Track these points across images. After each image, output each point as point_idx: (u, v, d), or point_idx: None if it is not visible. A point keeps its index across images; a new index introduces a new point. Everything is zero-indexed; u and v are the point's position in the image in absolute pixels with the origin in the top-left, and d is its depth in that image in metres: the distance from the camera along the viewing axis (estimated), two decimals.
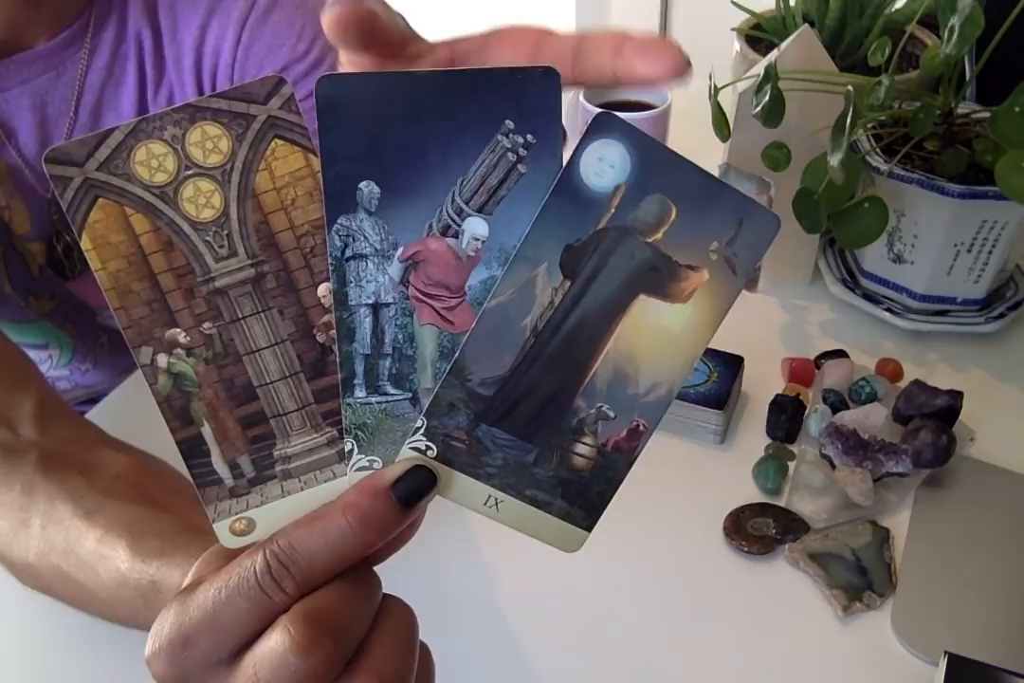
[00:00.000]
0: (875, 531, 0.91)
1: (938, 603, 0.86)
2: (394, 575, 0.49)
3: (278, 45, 1.09)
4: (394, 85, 0.42)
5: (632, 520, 0.89)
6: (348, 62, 0.49)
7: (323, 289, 0.45)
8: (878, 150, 1.06)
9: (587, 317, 0.44)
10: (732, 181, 1.12)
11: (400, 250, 0.44)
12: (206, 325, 0.44)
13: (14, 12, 1.01)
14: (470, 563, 0.92)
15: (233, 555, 0.45)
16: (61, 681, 0.84)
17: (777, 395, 1.02)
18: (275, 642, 0.42)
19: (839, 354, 1.09)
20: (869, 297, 1.16)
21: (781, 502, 0.95)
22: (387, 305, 0.44)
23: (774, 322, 1.18)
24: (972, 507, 0.95)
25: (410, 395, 0.45)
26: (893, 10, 1.19)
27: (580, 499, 0.47)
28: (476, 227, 0.43)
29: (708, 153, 1.02)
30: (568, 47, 0.45)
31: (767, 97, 0.98)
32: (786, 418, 1.00)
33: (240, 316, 0.45)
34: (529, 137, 0.42)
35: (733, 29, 1.36)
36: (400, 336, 0.45)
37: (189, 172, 0.43)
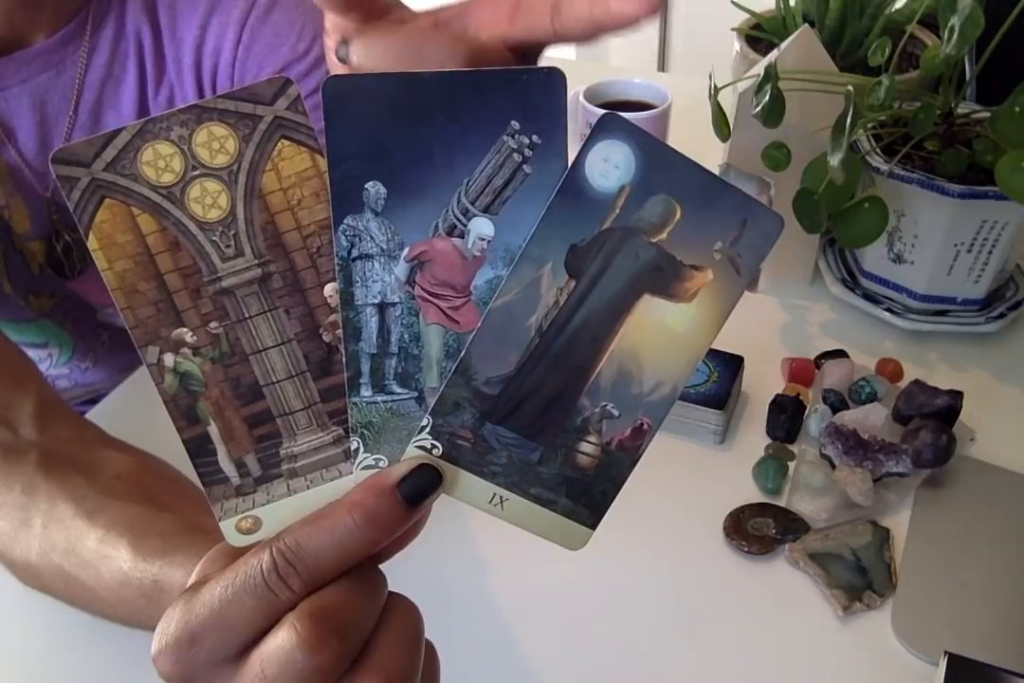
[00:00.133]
0: (875, 531, 0.91)
1: (938, 603, 0.86)
2: (399, 573, 0.49)
3: (278, 44, 1.09)
4: (400, 86, 0.42)
5: (632, 520, 0.89)
6: (331, 26, 0.50)
7: (329, 289, 0.45)
8: (878, 150, 1.07)
9: (592, 317, 0.45)
10: (732, 181, 1.12)
11: (406, 250, 0.44)
12: (212, 324, 0.45)
13: (13, 10, 1.01)
14: (474, 562, 0.92)
15: (239, 553, 0.46)
16: (63, 681, 0.84)
17: (777, 395, 1.02)
18: (282, 640, 0.42)
19: (839, 354, 1.09)
20: (869, 297, 1.16)
21: (781, 502, 0.95)
22: (393, 305, 0.45)
23: (774, 322, 1.18)
24: (972, 507, 0.95)
25: (416, 394, 0.45)
26: (893, 10, 1.20)
27: (584, 497, 0.47)
28: (482, 227, 0.43)
29: (708, 153, 1.02)
30: (546, 3, 0.45)
31: (767, 97, 0.98)
32: (786, 418, 1.00)
33: (246, 316, 0.45)
34: (534, 137, 0.42)
35: (733, 29, 1.37)
36: (406, 335, 0.45)
37: (196, 172, 0.43)
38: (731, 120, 1.09)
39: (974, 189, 1.00)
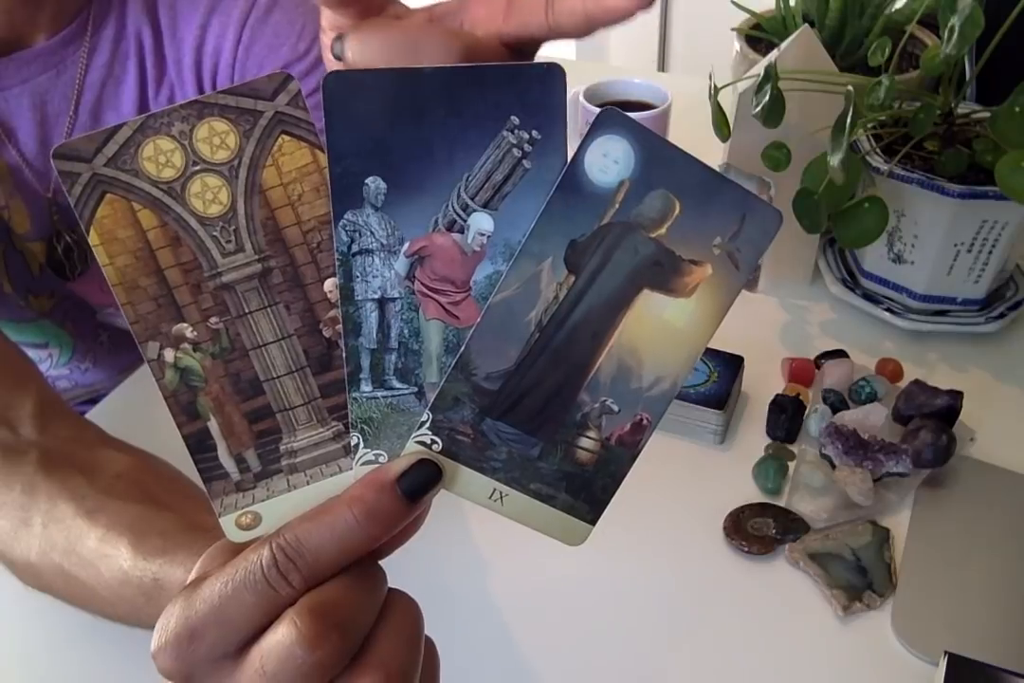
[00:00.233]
0: (875, 531, 0.91)
1: (938, 603, 0.86)
2: (399, 569, 0.49)
3: (279, 44, 1.09)
4: (400, 81, 0.42)
5: (632, 520, 0.89)
6: (328, 24, 0.50)
7: (329, 284, 0.45)
8: (878, 150, 1.07)
9: (591, 312, 0.45)
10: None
11: (406, 245, 0.44)
12: (213, 320, 0.45)
13: (14, 10, 1.01)
14: (473, 558, 0.92)
15: (238, 550, 0.46)
16: (63, 680, 0.84)
17: (777, 395, 1.02)
18: (281, 635, 0.42)
19: (839, 354, 1.09)
20: (869, 297, 1.16)
21: (781, 502, 0.95)
22: (393, 300, 0.45)
23: (774, 322, 1.18)
24: (972, 507, 0.95)
25: (416, 389, 0.45)
26: (893, 10, 1.20)
27: (584, 493, 0.47)
28: (481, 222, 0.44)
29: (708, 153, 1.02)
30: None
31: (767, 97, 0.98)
32: (786, 418, 1.00)
33: (247, 311, 0.45)
34: (534, 133, 0.42)
35: (733, 29, 1.37)
36: (406, 331, 0.45)
37: (196, 168, 0.43)
38: (731, 120, 1.09)
39: (974, 189, 1.00)
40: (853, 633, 0.84)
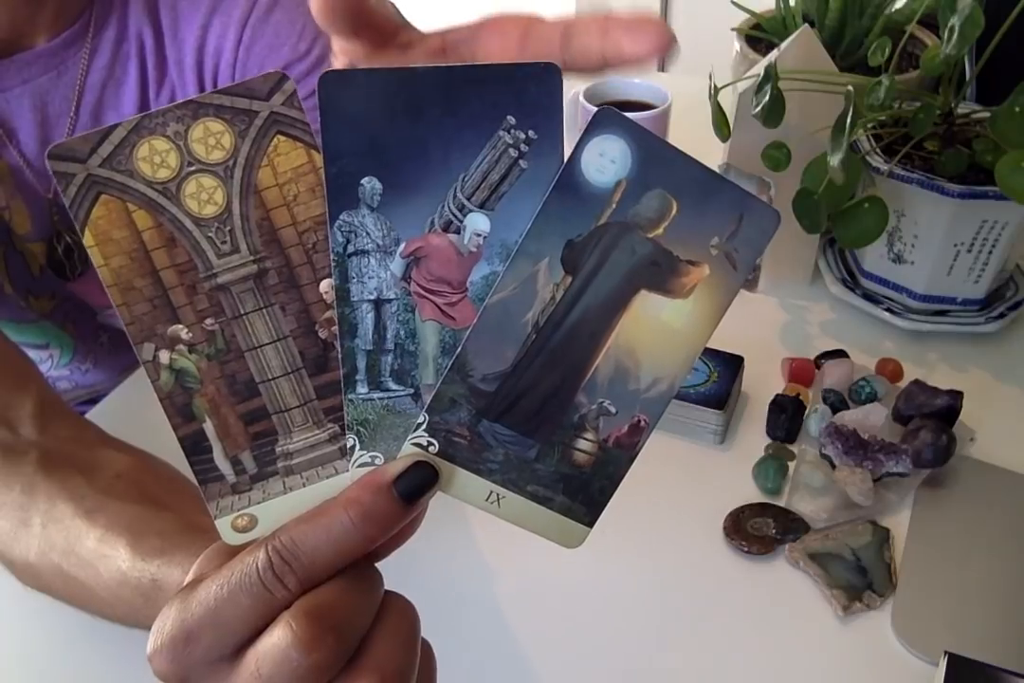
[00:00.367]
0: (875, 531, 0.91)
1: (938, 603, 0.86)
2: (395, 572, 0.49)
3: (279, 44, 1.09)
4: (396, 81, 0.42)
5: (632, 520, 0.89)
6: (339, 49, 0.50)
7: (325, 285, 0.45)
8: (878, 150, 1.07)
9: (588, 312, 0.44)
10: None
11: (402, 246, 0.44)
12: (208, 321, 0.45)
13: (15, 11, 1.01)
14: (471, 560, 0.92)
15: (235, 552, 0.45)
16: (62, 681, 0.84)
17: (777, 395, 1.02)
18: (277, 638, 0.42)
19: (839, 354, 1.09)
20: (869, 297, 1.16)
21: (781, 502, 0.95)
22: (389, 301, 0.44)
23: (774, 322, 1.18)
24: (972, 507, 0.95)
25: (412, 391, 0.45)
26: (893, 10, 1.20)
27: (582, 495, 0.47)
28: (478, 223, 0.43)
29: (708, 153, 1.02)
30: (556, 33, 0.45)
31: (767, 97, 0.98)
32: (786, 418, 1.00)
33: (242, 312, 0.45)
34: (530, 133, 0.42)
35: (733, 29, 1.37)
36: (402, 332, 0.45)
37: (192, 168, 0.43)
38: (731, 120, 1.09)
39: (974, 189, 1.00)
40: (853, 633, 0.84)
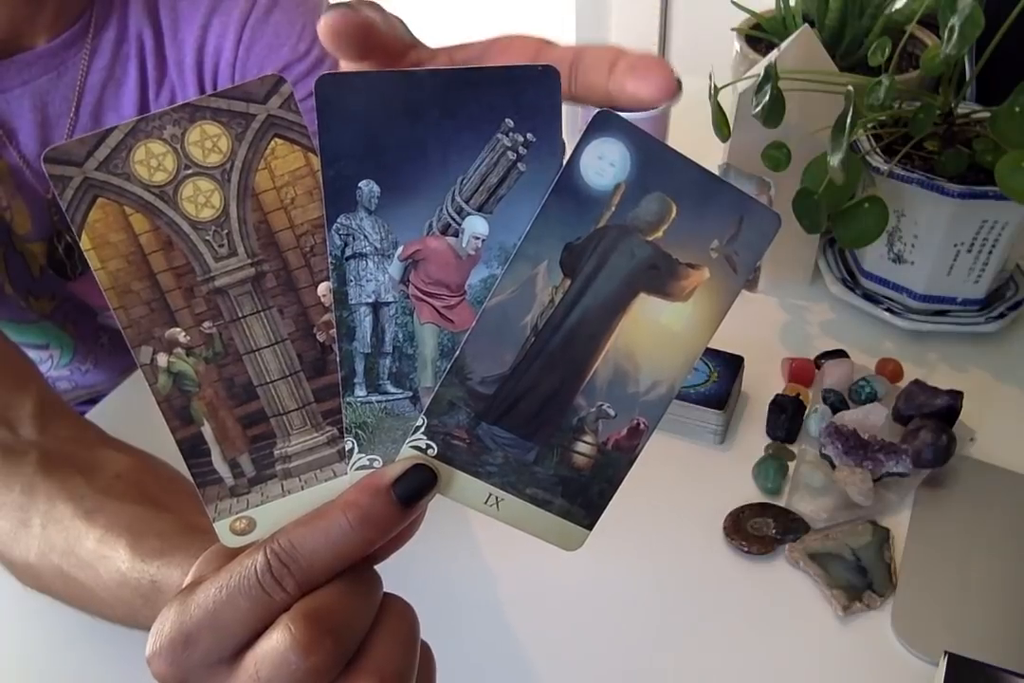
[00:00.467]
0: (875, 531, 0.91)
1: (938, 603, 0.86)
2: (394, 574, 0.49)
3: (279, 44, 1.09)
4: (394, 84, 0.42)
5: (632, 520, 0.89)
6: (346, 67, 0.49)
7: (323, 288, 0.45)
8: (878, 150, 1.06)
9: (587, 315, 0.44)
10: (732, 181, 1.12)
11: (400, 249, 0.44)
12: (206, 324, 0.44)
13: (15, 12, 1.01)
14: (471, 562, 0.92)
15: (234, 554, 0.45)
16: (62, 681, 0.84)
17: (777, 395, 1.02)
18: (276, 641, 0.42)
19: (839, 354, 1.09)
20: (869, 297, 1.16)
21: (781, 502, 0.95)
22: (387, 304, 0.44)
23: (774, 322, 1.18)
24: (972, 507, 0.94)
25: (410, 394, 0.45)
26: (893, 10, 1.19)
27: (581, 498, 0.47)
28: (476, 226, 0.43)
29: (708, 153, 1.02)
30: (566, 61, 0.45)
31: (767, 97, 0.98)
32: (786, 418, 1.00)
33: (240, 315, 0.45)
34: (529, 136, 0.42)
35: (733, 29, 1.36)
36: (400, 335, 0.45)
37: (189, 171, 0.43)
38: (731, 120, 1.09)
39: (974, 189, 1.00)
40: (853, 633, 0.84)
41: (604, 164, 0.43)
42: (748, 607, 0.87)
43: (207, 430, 0.45)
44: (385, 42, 0.46)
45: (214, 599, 0.44)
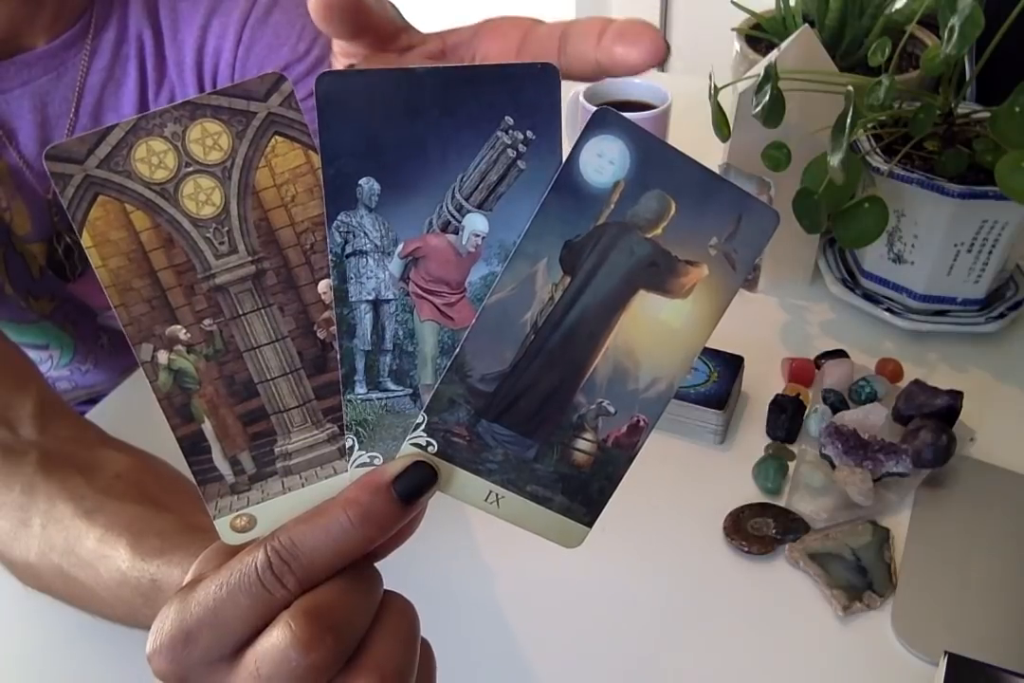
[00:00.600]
0: (875, 531, 0.91)
1: (938, 603, 0.86)
2: (395, 571, 0.49)
3: (279, 45, 1.09)
4: (393, 81, 0.42)
5: (632, 520, 0.89)
6: (340, 51, 0.50)
7: (323, 285, 0.45)
8: (878, 150, 1.07)
9: (587, 313, 0.44)
10: (732, 181, 1.12)
11: (400, 246, 0.44)
12: (206, 322, 0.45)
13: (14, 12, 1.01)
14: (471, 560, 0.92)
15: (234, 552, 0.45)
16: (61, 681, 0.84)
17: (777, 395, 1.02)
18: (276, 638, 0.42)
19: (839, 354, 1.09)
20: (869, 297, 1.16)
21: (781, 502, 0.95)
22: (387, 301, 0.44)
23: (774, 322, 1.18)
24: (972, 507, 0.94)
25: (411, 391, 0.45)
26: (893, 10, 1.20)
27: (581, 495, 0.47)
28: (476, 223, 0.43)
29: (708, 153, 1.02)
30: (554, 36, 0.45)
31: (767, 97, 0.98)
32: (786, 418, 1.00)
33: (240, 313, 0.45)
34: (529, 133, 0.42)
35: (733, 29, 1.37)
36: (400, 332, 0.45)
37: (189, 169, 0.43)
38: (731, 120, 1.09)
39: (974, 189, 1.00)
40: (853, 633, 0.84)
41: (603, 162, 0.43)
42: (748, 607, 0.87)
43: (207, 427, 0.45)
44: (377, 22, 0.46)
45: (214, 596, 0.44)
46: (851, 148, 0.97)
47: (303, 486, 0.46)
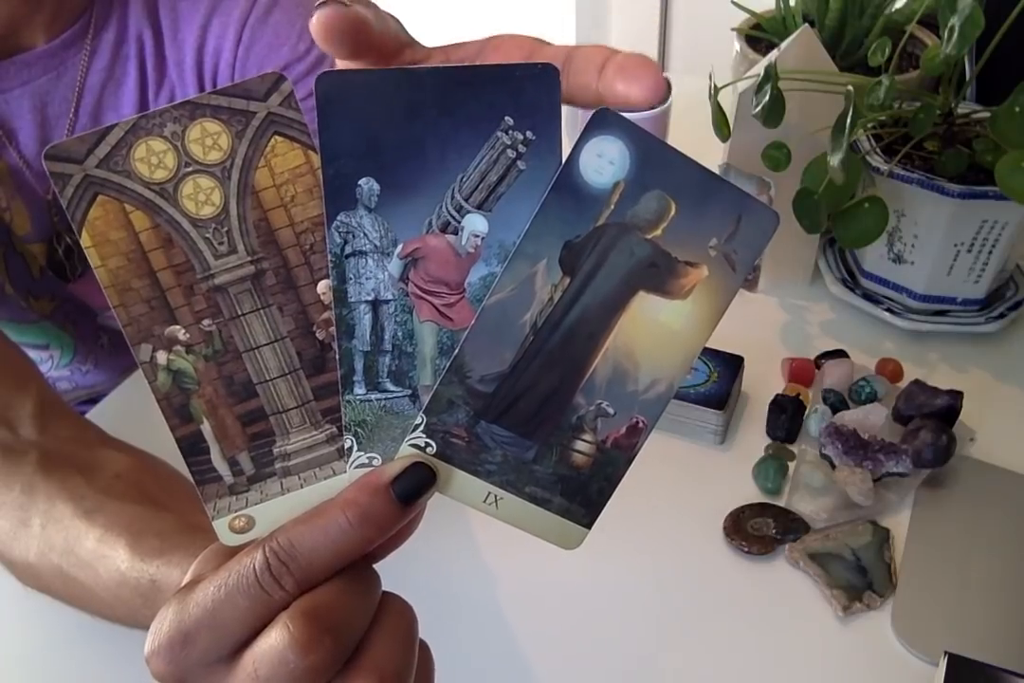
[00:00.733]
0: (875, 531, 0.91)
1: (938, 603, 0.86)
2: (394, 572, 0.49)
3: (279, 44, 1.09)
4: (393, 82, 0.42)
5: (632, 520, 0.89)
6: (342, 66, 0.49)
7: (323, 286, 0.45)
8: (878, 150, 1.06)
9: (586, 314, 0.44)
10: (732, 181, 1.12)
11: (399, 247, 0.44)
12: (205, 322, 0.44)
13: (13, 12, 1.01)
14: (470, 561, 0.92)
15: (233, 553, 0.45)
16: (61, 681, 0.84)
17: (777, 395, 1.02)
18: (274, 639, 0.42)
19: (839, 354, 1.09)
20: (869, 297, 1.16)
21: (781, 502, 0.95)
22: (386, 302, 0.44)
23: (774, 322, 1.18)
24: (972, 507, 0.94)
25: (410, 392, 0.45)
26: (893, 10, 1.19)
27: (579, 496, 0.46)
28: (476, 224, 0.43)
29: (708, 153, 1.02)
30: (558, 60, 0.45)
31: (767, 97, 0.98)
32: (786, 418, 1.00)
33: (240, 313, 0.45)
34: (528, 134, 0.42)
35: (733, 29, 1.36)
36: (399, 333, 0.45)
37: (189, 169, 0.43)
38: (731, 120, 1.09)
39: (974, 189, 1.00)
40: (853, 633, 0.84)
41: (603, 162, 0.42)
42: (748, 607, 0.87)
43: (206, 428, 0.45)
44: (378, 40, 0.46)
45: (213, 598, 0.44)
46: (851, 148, 0.97)
47: (302, 487, 0.46)
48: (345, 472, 0.46)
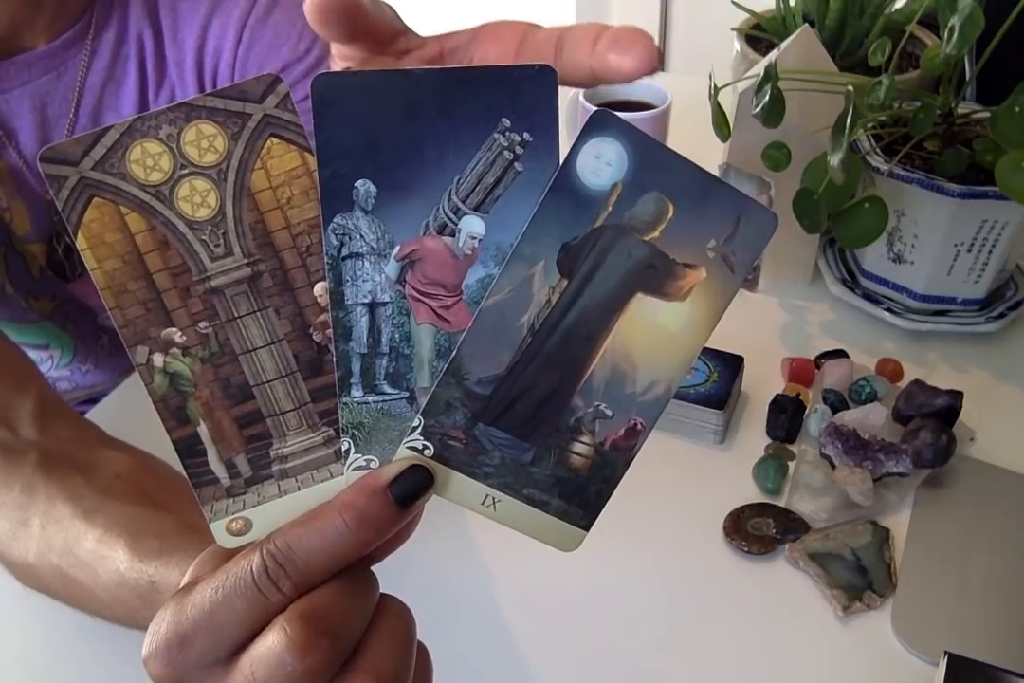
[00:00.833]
0: (875, 531, 0.91)
1: (938, 603, 0.86)
2: (392, 575, 0.49)
3: (279, 45, 1.09)
4: (390, 83, 0.42)
5: (632, 520, 0.89)
6: (338, 54, 0.49)
7: (319, 288, 0.45)
8: (878, 150, 1.06)
9: (584, 315, 0.44)
10: (732, 181, 1.12)
11: (396, 249, 0.44)
12: (202, 324, 0.44)
13: (14, 12, 1.01)
14: (469, 563, 0.92)
15: (230, 555, 0.45)
16: (61, 681, 0.84)
17: (777, 395, 1.02)
18: (272, 642, 0.42)
19: (839, 354, 1.09)
20: (869, 297, 1.16)
21: (781, 502, 0.95)
22: (383, 304, 0.44)
23: (774, 322, 1.18)
24: (972, 507, 0.94)
25: (407, 394, 0.45)
26: (893, 10, 1.19)
27: (578, 498, 0.46)
28: (473, 225, 0.43)
29: (708, 153, 1.02)
30: (551, 41, 0.45)
31: (767, 97, 0.98)
32: (786, 418, 1.00)
33: (236, 315, 0.45)
34: (526, 135, 0.42)
35: (733, 29, 1.36)
36: (397, 335, 0.45)
37: (185, 171, 0.42)
38: (731, 120, 1.09)
39: (974, 189, 0.99)
40: (853, 633, 0.84)
41: (601, 164, 0.42)
42: (748, 607, 0.87)
43: (203, 430, 0.45)
44: (373, 25, 0.46)
45: (210, 600, 0.44)
46: (851, 148, 0.97)
47: (299, 489, 0.46)
48: (342, 474, 0.46)
